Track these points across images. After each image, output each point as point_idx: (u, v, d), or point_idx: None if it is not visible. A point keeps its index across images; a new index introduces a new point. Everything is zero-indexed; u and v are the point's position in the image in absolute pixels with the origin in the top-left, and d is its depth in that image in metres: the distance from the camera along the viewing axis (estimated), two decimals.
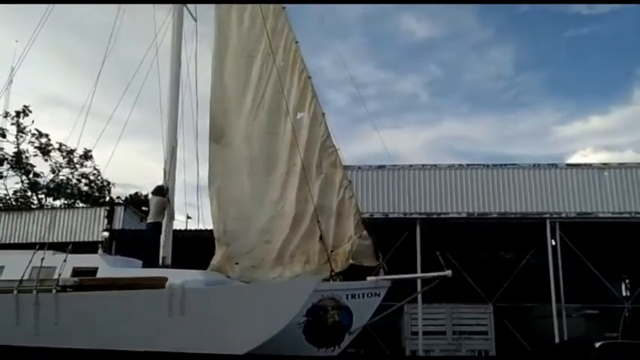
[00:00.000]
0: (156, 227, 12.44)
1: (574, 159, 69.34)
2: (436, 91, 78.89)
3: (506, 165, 19.68)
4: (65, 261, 10.56)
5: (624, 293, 26.36)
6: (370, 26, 76.80)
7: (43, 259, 10.61)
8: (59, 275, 10.33)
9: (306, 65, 12.93)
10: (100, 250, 12.65)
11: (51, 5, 15.38)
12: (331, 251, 11.37)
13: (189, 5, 14.78)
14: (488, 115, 74.61)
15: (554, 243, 18.62)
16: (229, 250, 12.58)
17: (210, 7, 14.51)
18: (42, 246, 11.29)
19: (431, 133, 73.37)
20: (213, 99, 13.58)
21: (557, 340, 17.66)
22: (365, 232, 11.95)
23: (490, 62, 71.89)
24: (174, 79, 13.75)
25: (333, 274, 11.04)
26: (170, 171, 13.25)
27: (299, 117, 12.60)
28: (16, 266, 11.37)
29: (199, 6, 15.01)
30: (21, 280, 10.43)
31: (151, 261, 12.08)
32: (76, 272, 10.87)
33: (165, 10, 14.77)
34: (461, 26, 70.92)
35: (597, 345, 14.82)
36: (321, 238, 11.58)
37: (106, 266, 11.28)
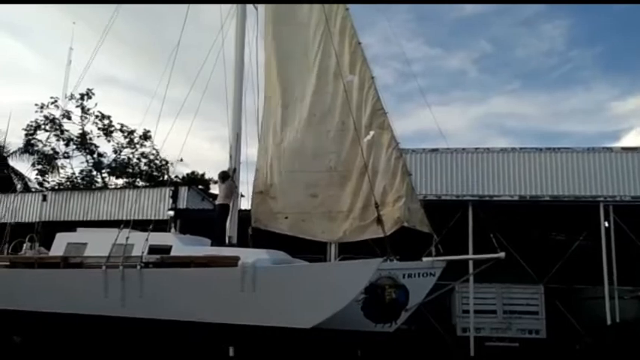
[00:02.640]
0: (224, 209, 13.36)
1: (630, 136, 67.47)
2: (485, 68, 77.48)
3: (559, 149, 19.65)
4: (147, 239, 11.51)
5: None
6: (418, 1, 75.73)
7: (127, 237, 11.58)
8: (142, 252, 11.29)
9: (356, 31, 13.56)
10: (172, 230, 13.60)
11: None
12: (376, 206, 11.88)
13: None
14: (539, 92, 72.87)
15: (607, 225, 18.71)
16: (276, 204, 13.55)
17: None
18: (126, 224, 12.30)
19: (479, 110, 72.33)
20: (267, 61, 14.53)
21: (608, 322, 17.87)
22: (415, 195, 12.61)
23: (542, 37, 70.06)
24: (239, 70, 14.51)
25: (387, 243, 11.56)
26: (235, 156, 14.10)
27: (349, 79, 13.22)
28: (98, 243, 12.48)
29: None
30: (108, 257, 11.44)
31: (219, 240, 13.02)
32: (153, 250, 11.81)
33: None
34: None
35: None
36: (368, 196, 12.22)
37: (179, 244, 12.23)
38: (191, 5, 15.50)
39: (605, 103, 70.54)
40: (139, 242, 11.86)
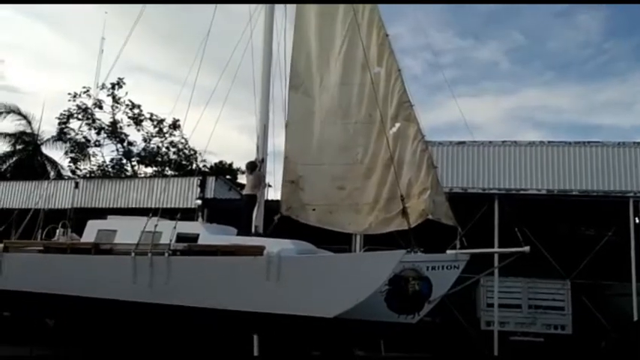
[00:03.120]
0: (251, 199, 13.56)
1: None
2: (517, 59, 76.48)
3: (589, 142, 19.44)
4: (175, 227, 11.77)
5: None
6: None
7: (156, 225, 11.85)
8: (170, 240, 11.55)
9: (384, 23, 13.52)
10: (199, 219, 13.85)
11: None
12: (402, 198, 11.90)
13: None
14: (573, 84, 71.78)
15: (637, 221, 18.47)
16: (304, 195, 13.66)
17: None
18: (155, 213, 12.59)
19: (511, 101, 71.45)
20: (295, 51, 14.57)
21: (635, 318, 17.68)
22: (441, 188, 12.62)
23: (576, 28, 68.96)
24: (267, 61, 14.64)
25: (411, 235, 11.60)
26: (263, 147, 14.26)
27: (376, 71, 13.22)
28: (128, 231, 12.80)
29: None
30: (137, 244, 11.73)
31: (245, 229, 13.22)
32: (180, 238, 12.06)
33: None
34: None
35: None
36: (394, 188, 12.25)
37: (206, 233, 12.47)
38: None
39: None
40: (167, 230, 12.13)
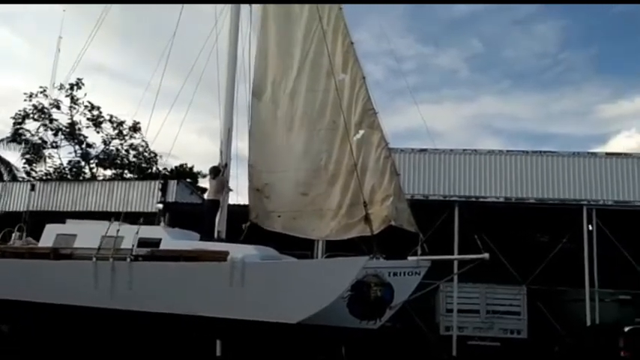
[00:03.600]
0: (214, 204, 13.48)
1: (618, 139, 68.09)
2: (476, 67, 77.93)
3: (545, 152, 19.99)
4: (138, 232, 11.61)
5: None
6: None
7: (118, 230, 11.67)
8: (133, 245, 11.39)
9: (349, 31, 13.61)
10: (162, 223, 13.70)
11: None
12: (365, 205, 11.98)
13: None
14: (530, 93, 73.43)
15: (590, 228, 19.07)
16: (270, 203, 13.67)
17: None
18: (117, 217, 12.40)
19: (470, 109, 72.69)
20: (258, 57, 14.58)
21: (588, 323, 18.23)
22: (403, 195, 12.79)
23: (534, 38, 70.68)
24: (231, 65, 14.59)
25: (373, 241, 11.69)
26: (226, 152, 14.20)
27: (340, 78, 13.25)
28: (88, 235, 12.57)
29: None
30: (99, 249, 11.54)
31: (208, 234, 13.12)
32: (142, 243, 11.88)
33: None
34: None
35: (626, 329, 15.34)
36: (357, 194, 12.31)
37: (168, 238, 12.32)
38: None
39: (595, 106, 71.46)
40: (129, 235, 11.94)
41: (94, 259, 11.51)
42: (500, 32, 71.78)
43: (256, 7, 15.23)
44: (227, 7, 15.27)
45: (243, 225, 13.52)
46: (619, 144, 66.99)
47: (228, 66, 14.59)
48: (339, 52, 13.57)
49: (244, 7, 15.40)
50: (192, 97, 15.11)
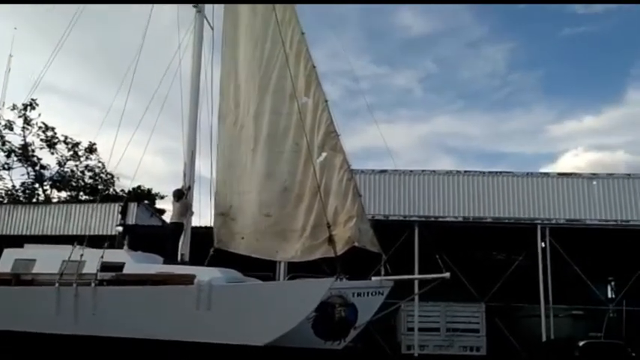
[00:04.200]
0: (178, 227, 13.41)
1: (566, 158, 70.53)
2: (430, 87, 79.90)
3: (500, 173, 20.58)
4: (102, 257, 11.48)
5: (609, 295, 27.55)
6: (366, 20, 77.56)
7: (82, 254, 11.52)
8: (97, 270, 11.25)
9: (311, 55, 13.82)
10: (125, 247, 13.53)
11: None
12: (328, 226, 12.11)
13: (206, 11, 15.74)
14: (482, 113, 75.69)
15: (544, 246, 19.72)
16: (235, 225, 13.71)
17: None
18: (80, 241, 12.24)
19: (424, 128, 74.38)
20: (223, 81, 14.73)
21: (544, 338, 18.76)
22: (365, 216, 13.02)
23: (485, 60, 73.00)
24: (194, 89, 14.67)
25: (337, 263, 11.77)
26: (190, 174, 14.21)
27: (303, 101, 13.43)
28: (48, 260, 12.36)
29: (217, 12, 16.00)
30: (61, 274, 11.35)
31: (172, 257, 13.07)
32: (105, 267, 11.72)
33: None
34: (457, 23, 71.99)
35: (580, 344, 15.89)
36: (320, 216, 12.42)
37: (131, 262, 12.19)
38: (143, 14, 15.57)
39: (544, 126, 73.87)
40: (91, 259, 11.76)
41: (57, 284, 11.31)
42: (454, 54, 73.72)
43: (219, 30, 15.43)
44: (189, 30, 15.43)
45: (211, 249, 13.51)
46: (567, 162, 69.38)
47: (192, 90, 14.66)
48: (301, 75, 13.79)
49: (207, 31, 15.60)
50: (155, 121, 14.99)
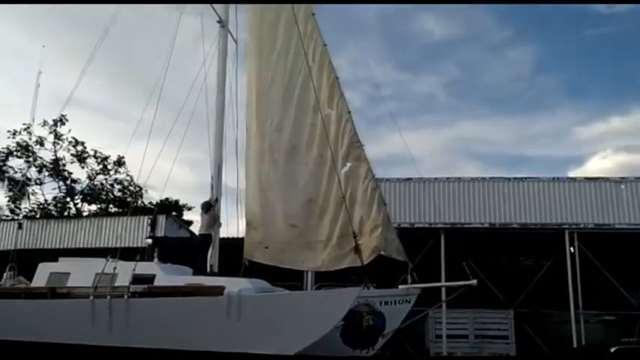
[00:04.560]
0: (206, 239, 13.69)
1: (594, 160, 69.30)
2: (454, 92, 79.09)
3: (526, 178, 20.48)
4: (134, 269, 11.79)
5: None
6: (388, 26, 77.44)
7: (115, 267, 11.83)
8: (129, 282, 11.54)
9: (334, 66, 14.04)
10: (155, 259, 13.84)
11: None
12: (354, 236, 12.25)
13: (231, 28, 16.09)
14: (507, 117, 74.81)
15: (572, 251, 19.54)
16: (260, 234, 13.98)
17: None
18: (113, 254, 12.57)
19: (448, 134, 73.60)
20: (249, 93, 15.03)
21: (574, 344, 18.57)
22: (391, 224, 13.12)
23: (509, 63, 72.14)
24: (220, 104, 14.98)
25: (364, 272, 11.87)
26: (217, 187, 14.49)
27: (327, 112, 13.64)
28: (81, 273, 12.72)
29: (240, 27, 16.35)
30: (95, 287, 11.67)
31: (201, 269, 13.34)
32: (136, 279, 12.03)
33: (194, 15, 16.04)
34: (480, 27, 71.33)
35: (612, 350, 15.70)
36: (346, 226, 12.55)
37: (162, 273, 12.48)
38: (167, 28, 15.93)
39: (570, 129, 72.73)
40: (123, 271, 12.09)
41: (92, 297, 11.62)
42: (477, 58, 73.24)
43: (243, 44, 15.76)
44: (214, 45, 15.77)
45: (245, 260, 13.75)
46: (595, 165, 68.28)
47: (217, 105, 14.98)
48: (324, 87, 14.00)
49: (231, 44, 15.93)
50: (183, 134, 15.21)
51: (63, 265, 13.69)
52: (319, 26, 14.63)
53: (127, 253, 13.40)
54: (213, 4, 15.76)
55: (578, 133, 72.33)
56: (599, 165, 67.55)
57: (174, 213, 33.69)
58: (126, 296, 11.43)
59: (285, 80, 14.61)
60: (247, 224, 14.08)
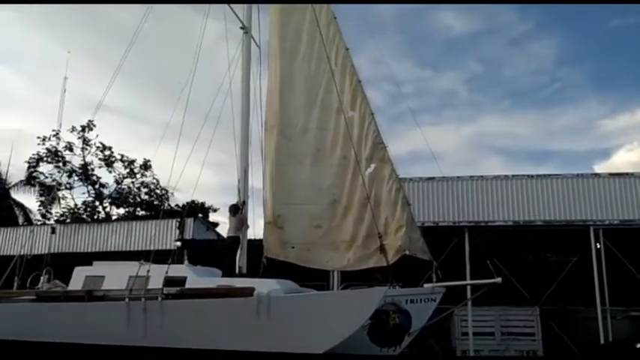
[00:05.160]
0: (235, 241, 14.05)
1: (620, 153, 68.43)
2: (475, 88, 78.77)
3: (549, 175, 20.47)
4: (167, 272, 12.19)
5: None
6: (407, 24, 77.42)
7: (148, 270, 12.25)
8: (163, 285, 11.94)
9: (356, 70, 14.41)
10: (186, 261, 14.26)
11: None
12: (379, 236, 12.62)
13: (253, 33, 16.43)
14: (530, 111, 74.02)
15: (598, 247, 19.52)
16: (283, 234, 14.22)
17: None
18: (146, 258, 13.00)
19: (471, 129, 73.34)
20: (270, 94, 15.31)
21: (601, 341, 18.57)
22: (415, 224, 13.36)
23: (531, 57, 71.51)
24: (245, 109, 15.32)
25: (390, 271, 12.23)
26: (244, 190, 14.85)
27: (350, 115, 13.99)
28: (115, 276, 13.18)
29: (263, 31, 16.68)
30: (131, 289, 12.10)
31: (230, 270, 13.71)
32: (168, 281, 12.43)
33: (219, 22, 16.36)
34: (499, 20, 71.07)
35: (638, 346, 15.71)
36: (371, 226, 12.88)
37: (193, 276, 12.88)
38: (189, 33, 16.26)
39: (595, 121, 71.96)
40: (155, 274, 12.50)
41: (127, 299, 12.05)
42: (498, 52, 72.78)
43: (266, 47, 16.11)
44: (238, 50, 16.13)
45: (263, 259, 14.05)
46: (621, 158, 67.36)
47: (242, 110, 15.32)
48: (347, 90, 14.30)
49: (254, 47, 16.28)
50: (211, 138, 15.47)
51: (97, 268, 14.17)
52: (341, 30, 15.00)
53: (157, 255, 13.84)
54: (235, 10, 16.15)
55: (603, 126, 71.53)
56: (626, 158, 66.75)
57: (200, 215, 34.28)
58: (160, 298, 11.83)
59: (308, 84, 14.93)
60: (269, 223, 14.30)
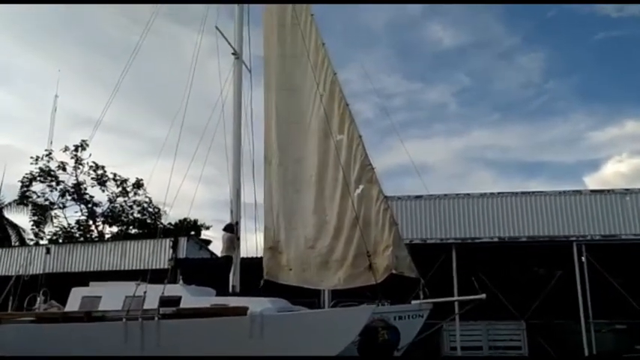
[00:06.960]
0: (228, 260, 14.51)
1: (609, 165, 69.17)
2: (465, 100, 79.22)
3: (533, 192, 21.00)
4: (164, 292, 12.57)
5: None
6: (396, 36, 78.26)
7: (145, 291, 12.62)
8: (158, 306, 12.30)
9: (344, 94, 15.00)
10: (180, 281, 14.63)
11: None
12: (368, 255, 13.14)
13: (244, 58, 17.00)
14: (519, 123, 74.57)
15: (583, 260, 20.02)
16: (282, 257, 14.99)
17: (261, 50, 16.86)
18: (142, 277, 13.38)
19: (460, 142, 73.70)
20: (266, 126, 16.08)
21: (586, 353, 19.02)
22: (402, 243, 13.85)
23: (519, 69, 72.28)
24: (237, 134, 15.86)
25: (378, 289, 12.71)
26: (236, 211, 15.32)
27: (338, 139, 14.57)
28: (112, 296, 13.55)
29: (254, 56, 17.31)
30: (128, 310, 12.46)
31: (224, 289, 14.14)
32: (163, 301, 12.80)
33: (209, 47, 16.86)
34: (488, 34, 71.79)
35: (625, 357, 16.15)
36: (360, 245, 13.42)
37: (188, 295, 13.26)
38: (178, 52, 16.80)
39: (584, 133, 72.60)
40: (151, 294, 12.84)
41: (124, 319, 12.40)
42: (486, 66, 73.64)
43: (260, 75, 16.72)
44: (230, 75, 16.68)
45: (262, 281, 14.56)
46: (611, 169, 68.18)
47: (234, 134, 15.86)
48: (335, 115, 14.87)
49: (245, 72, 16.84)
50: (207, 156, 16.05)
51: (94, 289, 14.53)
52: (329, 55, 15.59)
53: (152, 274, 14.25)
54: (226, 34, 16.70)
55: (592, 138, 72.25)
56: (615, 169, 67.56)
57: (192, 232, 34.61)
58: (156, 318, 12.19)
59: (302, 112, 15.58)
60: (271, 248, 14.94)
